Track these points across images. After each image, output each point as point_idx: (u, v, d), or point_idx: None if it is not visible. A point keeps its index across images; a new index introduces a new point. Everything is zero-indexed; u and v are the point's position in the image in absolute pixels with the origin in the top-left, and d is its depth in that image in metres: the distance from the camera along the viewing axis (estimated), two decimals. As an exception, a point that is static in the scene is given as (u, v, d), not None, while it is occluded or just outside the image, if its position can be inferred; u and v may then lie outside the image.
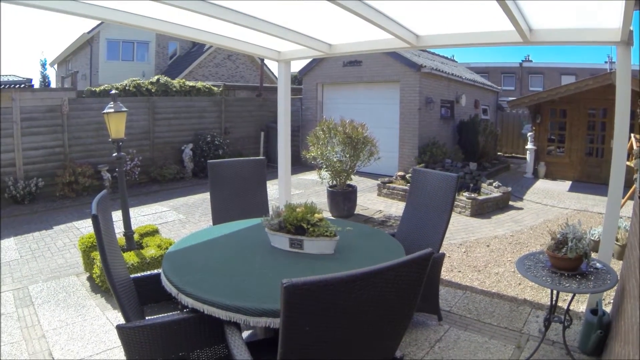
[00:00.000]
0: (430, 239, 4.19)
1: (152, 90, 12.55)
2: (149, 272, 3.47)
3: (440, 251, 4.19)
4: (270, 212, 3.52)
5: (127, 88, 12.20)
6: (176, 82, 13.32)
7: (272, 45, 5.95)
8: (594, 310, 3.79)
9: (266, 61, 18.60)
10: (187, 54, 25.88)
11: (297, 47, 5.72)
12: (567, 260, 3.34)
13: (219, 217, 4.83)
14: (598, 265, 3.59)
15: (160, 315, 2.99)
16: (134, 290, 3.12)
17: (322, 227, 3.22)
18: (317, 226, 3.22)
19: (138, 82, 12.53)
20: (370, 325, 1.94)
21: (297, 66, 17.27)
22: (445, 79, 14.05)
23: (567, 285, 3.24)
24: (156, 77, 13.13)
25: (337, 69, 14.30)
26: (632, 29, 3.73)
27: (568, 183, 12.90)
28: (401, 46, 5.10)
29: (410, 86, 12.79)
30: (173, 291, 2.75)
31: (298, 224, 3.23)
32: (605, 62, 28.38)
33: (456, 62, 21.14)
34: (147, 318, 3.02)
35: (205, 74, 23.60)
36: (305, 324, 1.70)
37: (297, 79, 16.71)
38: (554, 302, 3.66)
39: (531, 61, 32.61)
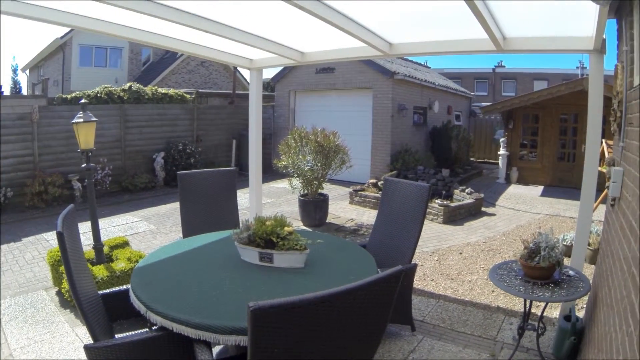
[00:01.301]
0: (402, 249, 4.17)
1: (124, 97, 12.38)
2: (117, 288, 3.38)
3: (412, 261, 4.17)
4: (240, 225, 3.46)
5: (98, 95, 12.01)
6: (148, 90, 13.16)
7: (244, 53, 5.90)
8: (567, 317, 3.82)
9: (239, 67, 18.51)
10: (160, 60, 25.62)
11: (270, 55, 5.68)
12: (540, 270, 3.36)
13: (189, 229, 4.76)
14: (571, 272, 3.63)
15: (129, 334, 2.92)
16: (103, 307, 3.03)
17: (292, 241, 3.18)
18: (286, 240, 3.17)
19: (110, 89, 12.35)
20: (342, 343, 1.90)
21: (270, 73, 17.23)
22: (418, 85, 14.13)
23: (540, 294, 3.26)
24: (128, 85, 12.96)
25: (310, 76, 14.29)
26: (605, 37, 3.79)
27: (540, 188, 13.08)
28: (374, 54, 5.08)
29: (383, 93, 12.86)
30: (142, 309, 2.68)
31: (267, 238, 3.19)
32: (577, 68, 28.94)
33: (429, 68, 21.35)
34: (116, 336, 2.94)
35: (179, 81, 23.40)
36: (274, 345, 1.66)
37: (269, 86, 16.65)
38: (527, 310, 3.68)
39: (504, 67, 33.12)
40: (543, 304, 3.90)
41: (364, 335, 1.97)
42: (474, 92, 26.57)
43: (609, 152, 6.87)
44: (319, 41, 5.33)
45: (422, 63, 20.69)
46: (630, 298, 2.06)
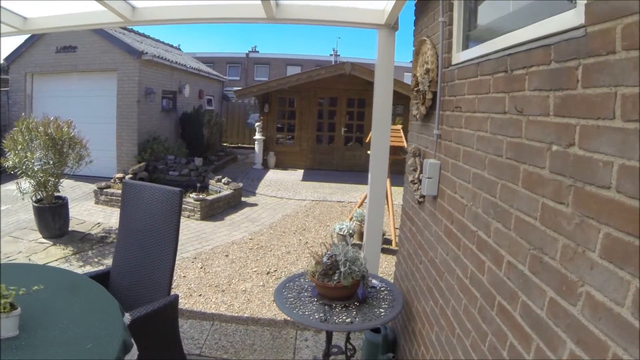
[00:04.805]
0: (155, 277, 3.09)
1: None
2: None
3: (172, 287, 3.13)
4: None
5: None
6: None
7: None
8: (375, 329, 3.34)
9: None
10: None
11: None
12: (343, 289, 2.71)
13: None
14: (374, 282, 3.11)
15: None
16: None
17: (-7, 298, 1.93)
18: (-17, 298, 1.91)
19: None
20: None
21: (4, 52, 14.08)
22: (168, 67, 13.11)
23: (347, 320, 2.55)
24: None
25: (50, 56, 12.08)
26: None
27: (300, 172, 13.11)
28: (115, 21, 3.95)
29: (129, 75, 11.50)
30: None
31: (-43, 301, 1.89)
32: (330, 55, 31.43)
33: (181, 51, 20.29)
34: None
35: None
36: None
37: (5, 68, 13.63)
38: (329, 336, 3.02)
39: (258, 52, 33.90)
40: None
41: None
42: (227, 76, 26.21)
43: (393, 140, 6.69)
44: (49, 3, 3.96)
45: (175, 46, 19.50)
46: (509, 341, 1.52)
